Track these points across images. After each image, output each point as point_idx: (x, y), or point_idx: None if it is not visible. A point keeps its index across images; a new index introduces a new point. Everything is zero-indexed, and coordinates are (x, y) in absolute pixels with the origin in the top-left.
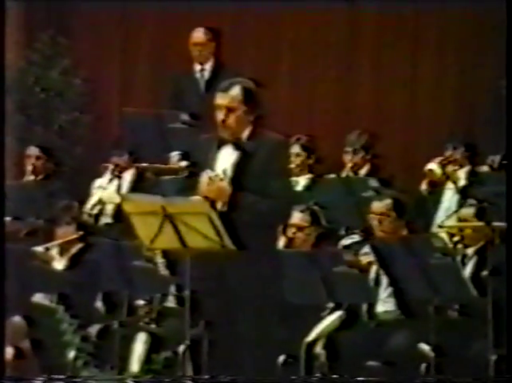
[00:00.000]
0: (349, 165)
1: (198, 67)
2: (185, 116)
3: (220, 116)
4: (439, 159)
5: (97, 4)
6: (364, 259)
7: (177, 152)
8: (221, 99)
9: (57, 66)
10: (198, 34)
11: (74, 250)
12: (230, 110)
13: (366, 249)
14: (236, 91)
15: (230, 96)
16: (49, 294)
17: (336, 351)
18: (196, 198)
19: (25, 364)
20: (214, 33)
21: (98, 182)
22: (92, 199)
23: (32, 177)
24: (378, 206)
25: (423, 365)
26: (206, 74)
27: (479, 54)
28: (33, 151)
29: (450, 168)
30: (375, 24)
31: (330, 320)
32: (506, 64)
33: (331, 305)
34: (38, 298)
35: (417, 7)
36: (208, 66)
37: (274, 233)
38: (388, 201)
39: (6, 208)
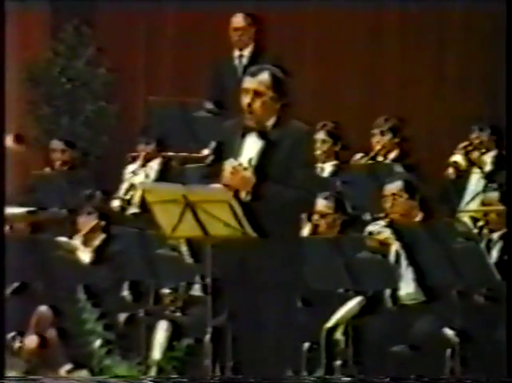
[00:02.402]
0: (377, 148)
1: (236, 53)
2: (210, 105)
3: (246, 99)
4: (463, 145)
5: None
6: (380, 236)
7: (211, 142)
8: (248, 83)
9: (82, 56)
10: (238, 19)
11: (98, 241)
12: (256, 94)
13: (380, 228)
14: (265, 76)
15: (258, 80)
16: (74, 283)
17: (360, 337)
18: (217, 186)
19: (49, 352)
20: (253, 18)
21: (130, 168)
22: (125, 185)
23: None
24: (389, 187)
25: (448, 351)
26: (245, 60)
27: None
28: (57, 144)
29: (475, 154)
30: (400, 10)
31: (350, 306)
32: (506, 64)
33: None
34: None
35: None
36: (247, 52)
37: (298, 221)
38: (399, 182)
39: (33, 199)
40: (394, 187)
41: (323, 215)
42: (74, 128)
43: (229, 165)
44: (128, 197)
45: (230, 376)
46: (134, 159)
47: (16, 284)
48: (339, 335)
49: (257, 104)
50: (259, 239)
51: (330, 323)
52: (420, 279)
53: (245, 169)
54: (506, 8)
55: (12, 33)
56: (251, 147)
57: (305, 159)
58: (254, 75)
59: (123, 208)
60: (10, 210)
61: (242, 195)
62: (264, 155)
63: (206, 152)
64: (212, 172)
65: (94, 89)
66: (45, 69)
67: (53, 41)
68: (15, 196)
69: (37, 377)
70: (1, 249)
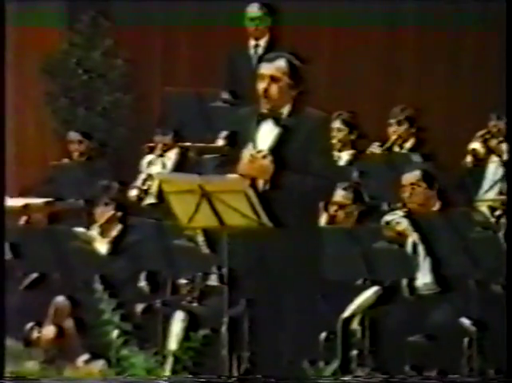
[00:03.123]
0: (393, 137)
1: (252, 42)
2: (226, 95)
3: (262, 85)
4: (481, 132)
5: None
6: (398, 227)
7: (225, 132)
8: (265, 69)
9: (98, 47)
10: (254, 9)
11: (115, 232)
12: (273, 79)
13: (398, 218)
14: (281, 63)
15: (275, 66)
16: (92, 274)
17: (377, 327)
18: (233, 176)
19: (67, 343)
20: (269, 8)
21: (148, 158)
22: (143, 175)
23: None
24: (407, 177)
25: (466, 340)
26: (260, 50)
27: None
28: (74, 136)
29: (493, 142)
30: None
31: (366, 296)
32: (507, 65)
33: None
34: None
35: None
36: (263, 42)
37: (316, 210)
38: (417, 172)
39: (51, 189)
40: (412, 176)
41: (341, 206)
42: (91, 119)
43: (247, 153)
44: (145, 187)
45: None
46: (151, 150)
47: (34, 275)
48: (355, 325)
49: (274, 89)
50: (276, 229)
51: (347, 313)
52: (437, 269)
53: (264, 157)
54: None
55: (29, 24)
56: (267, 134)
57: (322, 147)
58: (270, 61)
59: (140, 198)
60: (29, 200)
61: (260, 183)
62: (280, 142)
63: (221, 141)
64: (228, 162)
65: (111, 80)
66: (62, 61)
67: (69, 32)
68: (33, 187)
69: (37, 377)
70: (1, 246)
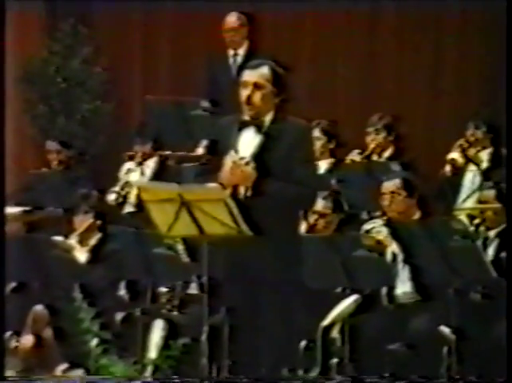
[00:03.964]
0: (372, 146)
1: (231, 52)
2: (206, 103)
3: (246, 92)
4: (459, 142)
5: None
6: (378, 236)
7: (205, 141)
8: (248, 76)
9: (78, 55)
10: (232, 19)
11: (94, 240)
12: (256, 87)
13: (378, 227)
14: (265, 70)
15: (258, 73)
16: (71, 282)
17: (356, 335)
18: (212, 184)
19: (45, 352)
20: (248, 17)
21: (127, 165)
22: (121, 181)
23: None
24: (387, 185)
25: (445, 349)
26: (239, 59)
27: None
28: (52, 145)
29: (472, 151)
30: (397, 7)
31: (346, 304)
32: (507, 65)
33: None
34: None
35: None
36: (241, 51)
37: (296, 219)
38: (397, 180)
39: (29, 198)
40: (392, 184)
41: (322, 215)
42: (70, 127)
43: (229, 160)
44: (123, 193)
45: (227, 375)
46: (131, 158)
47: (13, 284)
48: (335, 333)
49: (257, 96)
50: (256, 237)
51: (326, 321)
52: (417, 277)
53: (246, 164)
54: (506, 6)
55: (8, 32)
56: (249, 142)
57: (304, 155)
58: (254, 68)
59: (119, 204)
60: (7, 209)
61: (242, 190)
62: (263, 150)
63: (200, 150)
64: (208, 170)
65: (90, 88)
66: (41, 68)
67: (49, 40)
68: (11, 195)
69: (37, 377)
70: (1, 248)
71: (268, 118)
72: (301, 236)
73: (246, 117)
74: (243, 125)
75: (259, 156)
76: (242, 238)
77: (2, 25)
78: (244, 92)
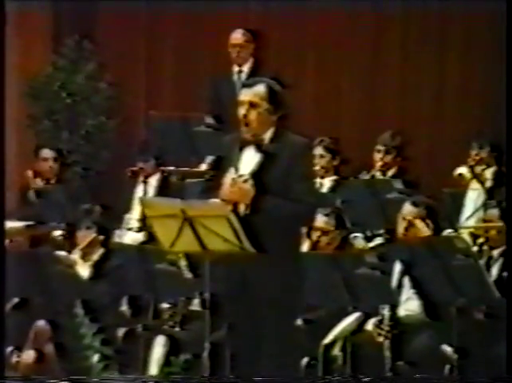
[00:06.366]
0: (379, 164)
1: (236, 68)
2: (210, 120)
3: (242, 111)
4: (469, 159)
5: (122, 8)
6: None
7: (210, 157)
8: (244, 95)
9: (82, 71)
10: (237, 35)
11: (96, 256)
12: (252, 105)
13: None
14: (260, 88)
15: (253, 91)
16: (73, 298)
17: (358, 352)
18: (215, 201)
19: (47, 367)
20: (253, 34)
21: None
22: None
23: (51, 180)
24: (410, 210)
25: (447, 367)
26: (244, 76)
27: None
28: (48, 153)
29: (478, 169)
30: (400, 25)
31: (348, 322)
32: (506, 64)
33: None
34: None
35: (442, 7)
36: (246, 68)
37: (297, 236)
38: (422, 208)
39: (32, 213)
40: (416, 211)
41: (324, 232)
42: (74, 142)
43: (228, 178)
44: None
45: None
46: (134, 174)
47: (16, 299)
48: (337, 351)
49: (253, 115)
50: (258, 254)
51: (328, 339)
52: (420, 296)
53: (244, 181)
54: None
55: (13, 47)
56: (249, 160)
57: (303, 172)
58: (249, 87)
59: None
60: (9, 224)
61: (241, 208)
62: (262, 168)
63: (204, 166)
64: (211, 187)
65: (94, 104)
66: (46, 84)
67: (53, 55)
68: (14, 210)
69: (38, 378)
70: (2, 249)
71: (267, 136)
72: (303, 253)
73: (246, 136)
74: (244, 144)
75: (258, 174)
76: (243, 255)
77: (2, 25)
78: (241, 111)
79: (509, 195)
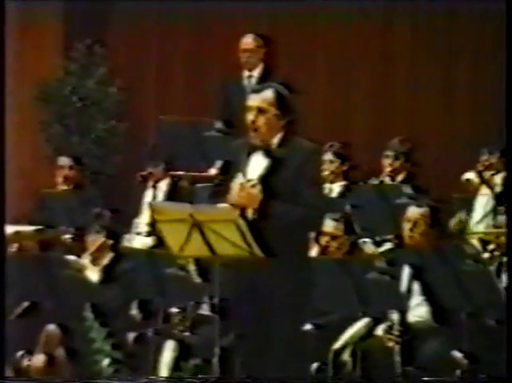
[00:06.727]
0: (388, 170)
1: (246, 74)
2: (220, 124)
3: (250, 117)
4: (478, 164)
5: (133, 13)
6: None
7: (219, 161)
8: (252, 100)
9: (93, 75)
10: (248, 40)
11: (106, 260)
12: (260, 111)
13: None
14: (268, 93)
15: (261, 97)
16: (83, 302)
17: (368, 357)
18: (224, 205)
19: (57, 371)
20: (263, 39)
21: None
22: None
23: (65, 187)
24: (413, 211)
25: (457, 372)
26: (254, 81)
27: None
28: (65, 161)
29: (487, 174)
30: (409, 30)
31: (357, 327)
32: (507, 65)
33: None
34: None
35: (452, 11)
36: (256, 73)
37: (306, 241)
38: (426, 209)
39: (42, 217)
40: (418, 212)
41: (333, 237)
42: (85, 146)
43: (236, 182)
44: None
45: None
46: (144, 179)
47: (26, 303)
48: (346, 356)
49: (261, 121)
50: (267, 259)
51: (337, 344)
52: (430, 302)
53: (252, 186)
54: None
55: (24, 51)
56: (257, 165)
57: (311, 177)
58: (257, 92)
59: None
60: (19, 228)
61: (249, 212)
62: (270, 173)
63: (214, 171)
64: (219, 191)
65: (105, 108)
66: (57, 88)
67: (65, 60)
68: (25, 214)
69: (38, 378)
70: (2, 251)
71: (275, 141)
72: (312, 258)
73: (254, 141)
74: (252, 149)
75: (266, 179)
76: (252, 260)
77: (2, 27)
78: (249, 117)
79: (509, 197)
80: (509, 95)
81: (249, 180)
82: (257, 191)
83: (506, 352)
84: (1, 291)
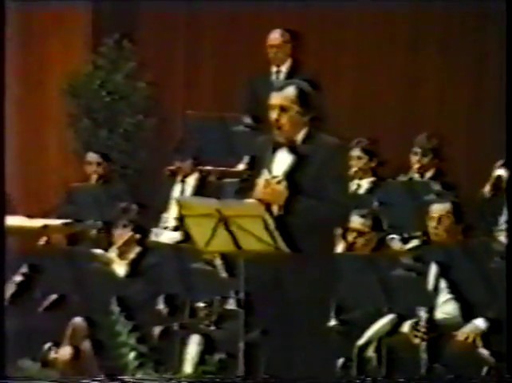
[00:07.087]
0: (416, 166)
1: (274, 69)
2: (248, 119)
3: (273, 115)
4: (503, 161)
5: (161, 8)
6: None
7: (247, 157)
8: (274, 98)
9: (121, 70)
10: (275, 36)
11: (133, 254)
12: (282, 109)
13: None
14: (290, 91)
15: (283, 95)
16: (110, 296)
17: (394, 354)
18: (250, 200)
19: (83, 364)
20: (291, 34)
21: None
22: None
23: (93, 181)
24: (437, 208)
25: (484, 370)
26: (282, 76)
27: None
28: (93, 157)
29: None
30: (439, 24)
31: (381, 323)
32: (506, 65)
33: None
34: None
35: (483, 6)
36: (284, 68)
37: (331, 237)
38: (448, 204)
39: (70, 210)
40: (442, 208)
41: (360, 233)
42: (112, 140)
43: (262, 179)
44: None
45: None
46: (172, 173)
47: (54, 296)
48: (371, 352)
49: (284, 119)
50: (292, 255)
51: (362, 340)
52: (457, 298)
53: (278, 182)
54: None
55: (53, 45)
56: (282, 162)
57: (337, 173)
58: (280, 90)
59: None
60: (48, 221)
61: (275, 209)
62: (295, 169)
63: (241, 166)
64: (247, 187)
65: (133, 103)
66: (86, 82)
67: (93, 54)
68: (54, 208)
69: (38, 378)
70: (2, 251)
71: (299, 137)
72: (338, 254)
73: (279, 139)
74: (277, 146)
75: (291, 175)
76: (278, 255)
77: (2, 27)
78: (272, 115)
79: (509, 197)
80: (509, 95)
81: (274, 177)
82: (282, 187)
83: (506, 352)
84: (1, 291)
